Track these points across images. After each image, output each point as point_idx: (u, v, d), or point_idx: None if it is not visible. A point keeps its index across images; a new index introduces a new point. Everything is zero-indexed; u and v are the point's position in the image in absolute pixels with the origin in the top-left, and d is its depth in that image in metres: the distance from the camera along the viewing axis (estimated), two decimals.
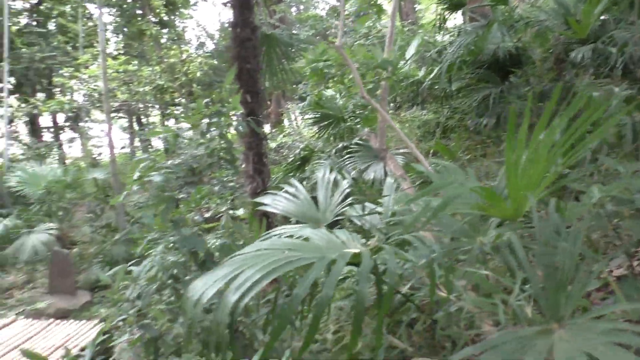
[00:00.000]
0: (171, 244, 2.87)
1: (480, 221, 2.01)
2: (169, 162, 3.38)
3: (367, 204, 2.37)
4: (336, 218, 2.45)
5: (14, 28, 19.58)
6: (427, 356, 2.07)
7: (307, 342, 1.41)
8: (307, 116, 11.90)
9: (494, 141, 6.46)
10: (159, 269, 2.81)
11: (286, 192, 2.58)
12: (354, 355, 3.43)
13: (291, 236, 2.05)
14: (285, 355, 2.33)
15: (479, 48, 6.96)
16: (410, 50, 9.47)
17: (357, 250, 1.56)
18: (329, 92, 10.98)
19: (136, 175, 2.86)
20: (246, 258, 1.61)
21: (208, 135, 3.33)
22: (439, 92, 9.15)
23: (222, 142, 3.00)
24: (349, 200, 2.49)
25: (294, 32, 11.17)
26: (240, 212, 5.87)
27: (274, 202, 2.49)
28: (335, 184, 2.53)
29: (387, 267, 1.45)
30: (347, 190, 2.52)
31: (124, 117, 25.37)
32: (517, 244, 1.51)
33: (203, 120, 3.29)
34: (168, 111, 19.35)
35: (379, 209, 2.28)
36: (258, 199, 2.65)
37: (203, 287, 1.53)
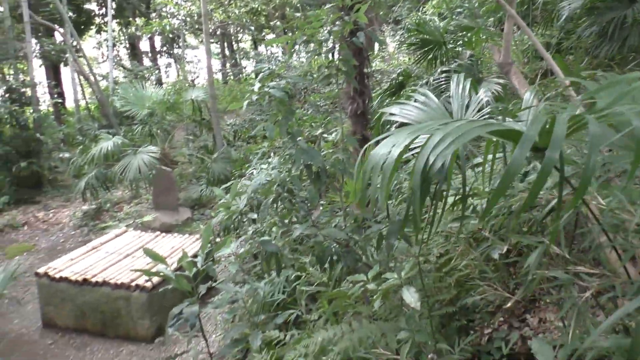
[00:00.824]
0: (286, 157, 2.85)
1: None
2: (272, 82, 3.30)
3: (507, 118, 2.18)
4: None
5: None
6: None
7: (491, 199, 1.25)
8: (404, 41, 11.43)
9: (619, 64, 5.87)
10: (275, 181, 2.81)
11: (415, 101, 2.42)
12: (461, 278, 3.36)
13: None
14: (405, 270, 2.27)
15: None
16: None
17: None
18: (427, 15, 10.42)
19: (256, 86, 2.81)
20: (425, 126, 1.40)
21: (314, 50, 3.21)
22: (551, 13, 8.40)
23: (340, 51, 2.87)
24: (486, 109, 2.31)
25: None
26: (332, 136, 5.76)
27: (402, 112, 2.34)
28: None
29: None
30: (485, 100, 2.33)
31: (215, 43, 25.75)
32: None
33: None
34: (263, 34, 19.31)
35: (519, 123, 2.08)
36: (386, 109, 2.51)
37: (388, 147, 1.33)
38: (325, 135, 6.63)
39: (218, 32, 22.40)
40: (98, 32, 22.80)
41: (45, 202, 12.07)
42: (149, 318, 6.55)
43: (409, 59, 14.13)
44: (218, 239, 7.61)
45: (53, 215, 11.39)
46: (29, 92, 12.87)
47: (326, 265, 2.95)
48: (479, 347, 2.80)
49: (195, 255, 4.83)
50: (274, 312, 4.14)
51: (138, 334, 6.64)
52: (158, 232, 8.60)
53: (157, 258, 3.77)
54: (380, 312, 3.02)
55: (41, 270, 7.10)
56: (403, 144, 1.27)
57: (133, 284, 6.54)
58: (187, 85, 17.19)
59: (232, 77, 23.18)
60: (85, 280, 6.76)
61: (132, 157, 10.28)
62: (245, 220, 3.17)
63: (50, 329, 7.09)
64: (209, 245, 4.10)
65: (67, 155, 12.95)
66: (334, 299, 3.35)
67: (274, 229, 2.99)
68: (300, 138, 2.71)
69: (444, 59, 8.43)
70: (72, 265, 7.17)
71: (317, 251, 2.65)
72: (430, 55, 8.60)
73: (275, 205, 2.88)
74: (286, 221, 2.98)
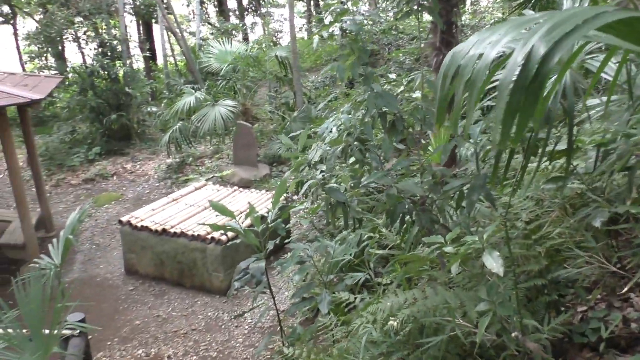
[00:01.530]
0: (358, 102, 2.56)
1: None
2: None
3: None
4: None
5: None
6: None
7: None
8: None
9: None
10: (345, 129, 2.55)
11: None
12: (553, 247, 2.97)
13: None
14: (488, 232, 1.96)
15: None
16: None
17: None
18: None
19: (328, 19, 2.53)
20: (533, 18, 1.02)
21: None
22: None
23: None
24: None
25: None
26: (416, 94, 5.36)
27: None
28: None
29: None
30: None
31: (301, 0, 25.43)
32: None
33: None
34: None
35: None
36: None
37: (480, 47, 0.98)
38: (408, 93, 6.24)
39: None
40: None
41: (134, 154, 12.52)
42: (223, 271, 6.60)
43: (504, 13, 13.19)
44: (296, 197, 7.48)
45: (140, 167, 11.80)
46: (119, 46, 13.24)
47: (397, 226, 2.68)
48: (571, 327, 2.44)
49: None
50: (344, 273, 3.94)
51: (213, 286, 6.73)
52: (236, 187, 8.64)
53: (224, 212, 3.66)
54: (458, 279, 2.72)
55: (124, 218, 7.33)
56: (502, 41, 0.91)
57: (209, 236, 6.60)
58: (270, 43, 17.08)
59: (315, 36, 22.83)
60: (164, 230, 6.91)
61: (210, 109, 10.31)
62: (316, 172, 2.93)
63: (132, 276, 7.35)
64: (283, 201, 3.96)
65: (154, 109, 13.32)
66: (407, 263, 3.08)
67: (342, 183, 2.73)
68: (374, 81, 2.40)
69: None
70: (153, 215, 7.35)
71: (389, 205, 2.37)
72: (529, 6, 7.85)
73: (344, 157, 2.62)
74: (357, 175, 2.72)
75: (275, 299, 6.44)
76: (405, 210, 2.48)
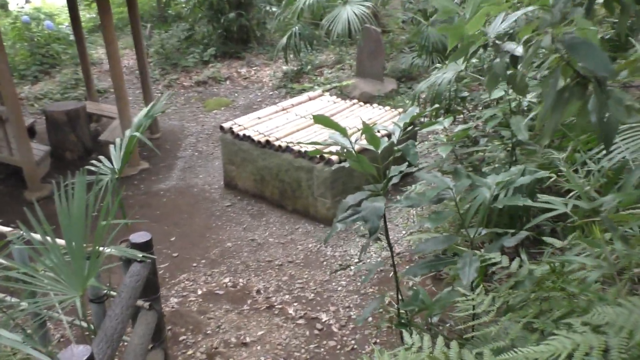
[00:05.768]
0: None
1: None
2: None
3: None
4: None
5: None
6: None
7: None
8: None
9: None
10: None
11: None
12: None
13: None
14: None
15: None
16: None
17: None
18: None
19: None
20: None
21: None
22: None
23: None
24: None
25: None
26: None
27: None
28: None
29: None
30: None
31: None
32: None
33: None
34: None
35: None
36: None
37: None
38: None
39: None
40: None
41: (250, 58, 11.55)
42: (331, 197, 5.48)
43: None
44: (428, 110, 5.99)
45: (255, 73, 10.86)
46: None
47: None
48: None
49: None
50: (503, 229, 2.57)
51: (317, 213, 5.67)
52: (355, 101, 7.35)
53: (330, 125, 2.41)
54: None
55: (226, 125, 6.40)
56: None
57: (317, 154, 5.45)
58: None
59: None
60: (267, 142, 5.88)
61: (341, 9, 8.83)
62: (494, 56, 1.58)
63: (230, 190, 6.51)
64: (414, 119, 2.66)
65: (274, 9, 12.15)
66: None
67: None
68: None
69: None
70: (257, 124, 6.34)
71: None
72: None
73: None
74: None
75: (393, 241, 5.27)
76: None
